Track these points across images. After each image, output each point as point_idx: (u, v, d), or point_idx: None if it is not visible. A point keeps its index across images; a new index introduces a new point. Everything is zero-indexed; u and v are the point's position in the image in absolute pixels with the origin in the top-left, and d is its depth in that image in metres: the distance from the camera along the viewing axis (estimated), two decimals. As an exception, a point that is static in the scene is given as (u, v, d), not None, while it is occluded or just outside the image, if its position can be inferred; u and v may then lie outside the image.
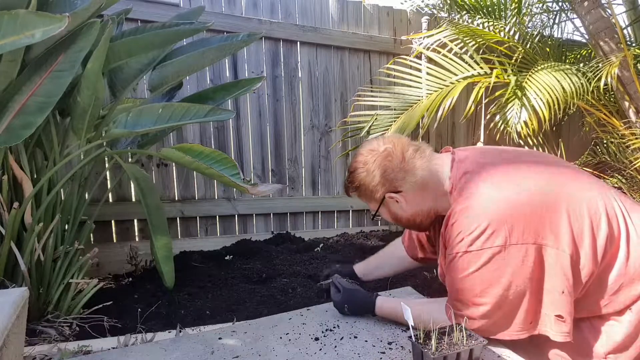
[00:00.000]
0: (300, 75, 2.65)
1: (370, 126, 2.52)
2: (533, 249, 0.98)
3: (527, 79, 2.39)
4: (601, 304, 1.05)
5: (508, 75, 2.48)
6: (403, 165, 1.15)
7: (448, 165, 1.17)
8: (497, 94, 2.52)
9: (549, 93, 2.23)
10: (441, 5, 2.81)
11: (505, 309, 1.01)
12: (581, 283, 1.02)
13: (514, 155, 1.19)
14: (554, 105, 2.21)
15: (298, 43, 2.61)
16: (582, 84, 2.27)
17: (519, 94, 2.36)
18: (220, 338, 1.19)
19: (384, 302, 1.27)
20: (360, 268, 1.56)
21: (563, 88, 2.23)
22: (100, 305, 1.59)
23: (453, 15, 2.77)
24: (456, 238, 1.03)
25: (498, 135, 2.52)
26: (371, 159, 1.17)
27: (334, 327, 1.23)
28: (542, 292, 1.00)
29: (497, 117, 2.50)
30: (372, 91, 2.72)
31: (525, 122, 2.28)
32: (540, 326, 1.02)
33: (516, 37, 2.72)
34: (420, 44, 2.68)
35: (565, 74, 2.30)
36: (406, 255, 1.53)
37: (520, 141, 2.52)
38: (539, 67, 2.44)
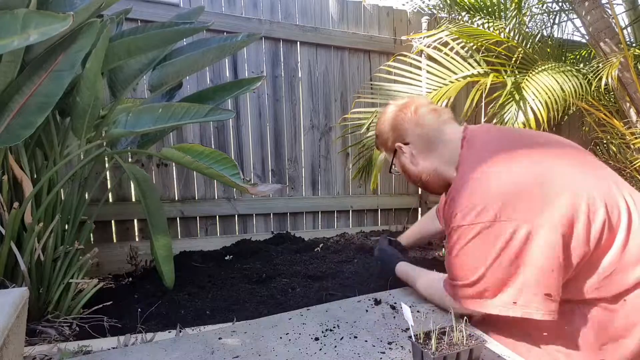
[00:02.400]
0: (300, 75, 2.64)
1: (370, 123, 2.53)
2: (523, 226, 1.00)
3: (526, 80, 2.39)
4: (593, 287, 1.04)
5: (507, 76, 2.48)
6: (413, 117, 1.25)
7: (460, 138, 1.23)
8: (494, 95, 2.52)
9: (547, 94, 2.23)
10: (441, 6, 2.81)
11: (494, 282, 1.03)
12: (572, 264, 1.02)
13: (522, 137, 1.23)
14: (553, 105, 2.21)
15: (298, 43, 2.61)
16: (581, 85, 2.27)
17: (517, 96, 2.36)
18: (220, 338, 1.19)
19: (403, 265, 1.50)
20: (403, 238, 1.83)
21: (562, 89, 2.23)
22: (100, 305, 1.59)
23: (453, 15, 2.77)
24: (452, 213, 1.09)
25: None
26: (389, 109, 1.33)
27: (334, 327, 1.23)
28: (532, 269, 1.01)
29: (495, 120, 2.49)
30: (372, 89, 2.72)
31: (524, 123, 2.27)
32: (529, 305, 1.01)
33: (516, 37, 2.71)
34: (421, 44, 2.68)
35: (566, 75, 2.30)
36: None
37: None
38: (539, 69, 2.43)
